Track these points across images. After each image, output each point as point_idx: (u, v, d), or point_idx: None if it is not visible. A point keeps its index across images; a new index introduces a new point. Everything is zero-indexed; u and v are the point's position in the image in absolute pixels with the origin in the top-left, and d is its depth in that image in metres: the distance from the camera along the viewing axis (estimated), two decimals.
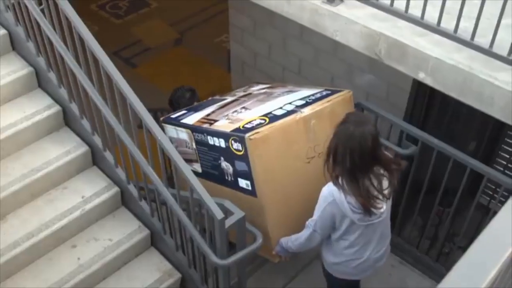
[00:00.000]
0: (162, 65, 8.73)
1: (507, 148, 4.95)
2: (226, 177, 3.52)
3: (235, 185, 3.48)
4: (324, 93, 3.66)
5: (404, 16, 3.21)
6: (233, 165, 3.41)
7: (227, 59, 7.27)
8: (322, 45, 5.42)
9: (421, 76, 3.26)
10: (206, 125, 3.56)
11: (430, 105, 4.87)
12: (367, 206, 2.92)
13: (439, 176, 4.00)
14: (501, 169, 4.88)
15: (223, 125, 3.47)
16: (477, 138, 5.02)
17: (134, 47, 9.10)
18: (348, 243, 3.14)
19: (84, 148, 4.06)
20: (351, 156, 2.81)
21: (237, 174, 3.42)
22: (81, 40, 3.42)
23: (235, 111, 3.65)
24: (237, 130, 3.30)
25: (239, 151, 3.26)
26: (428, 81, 3.25)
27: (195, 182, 3.09)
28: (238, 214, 3.08)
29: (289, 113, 3.38)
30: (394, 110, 4.74)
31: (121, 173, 3.93)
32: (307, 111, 3.39)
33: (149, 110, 3.42)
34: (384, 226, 3.21)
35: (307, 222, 3.15)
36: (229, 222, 3.03)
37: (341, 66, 5.44)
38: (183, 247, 3.78)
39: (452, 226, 4.35)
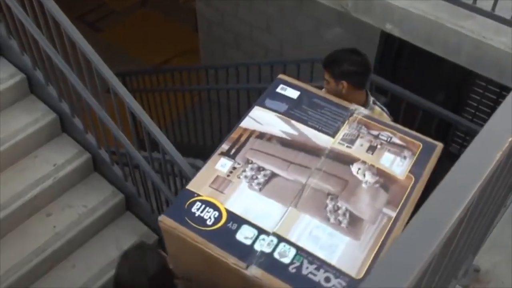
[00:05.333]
0: (128, 27, 8.57)
1: (474, 96, 5.01)
2: None
3: None
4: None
5: None
6: None
7: (194, 19, 7.16)
8: (289, 1, 5.37)
9: (389, 27, 3.26)
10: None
11: (399, 57, 4.89)
12: None
13: (408, 128, 4.04)
14: (470, 117, 4.95)
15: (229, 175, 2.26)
16: (446, 88, 5.07)
17: (98, 11, 8.90)
18: None
19: (52, 116, 3.99)
20: None
21: None
22: (41, 4, 3.33)
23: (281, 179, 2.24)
24: (188, 197, 2.17)
25: None
26: (396, 32, 3.26)
27: (167, 143, 3.08)
28: None
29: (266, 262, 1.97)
30: None
31: (91, 138, 3.88)
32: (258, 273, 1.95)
33: (117, 75, 3.37)
34: None
35: None
36: None
37: (308, 21, 5.40)
38: (158, 209, 3.79)
39: None
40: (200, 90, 6.22)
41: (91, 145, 3.90)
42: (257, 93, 4.93)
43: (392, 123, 2.45)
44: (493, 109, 4.98)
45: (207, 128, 6.01)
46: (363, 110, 2.49)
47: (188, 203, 2.15)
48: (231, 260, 1.97)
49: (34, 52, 3.73)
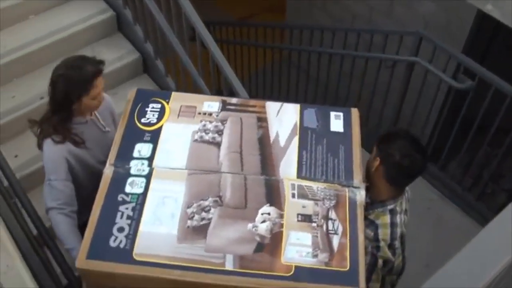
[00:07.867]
0: None
1: None
2: None
3: None
4: None
5: None
6: None
7: None
8: None
9: (489, 8, 3.11)
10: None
11: (492, 40, 4.67)
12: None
13: (491, 115, 3.89)
14: None
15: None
16: None
17: None
18: None
19: (136, 55, 4.08)
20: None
21: None
22: None
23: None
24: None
25: None
26: (495, 13, 3.11)
27: (239, 87, 3.11)
28: None
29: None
30: (452, 41, 4.56)
31: (171, 82, 3.95)
32: None
33: (204, 23, 3.40)
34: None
35: None
36: None
37: None
38: None
39: (499, 167, 4.26)
40: (282, 49, 6.18)
41: (170, 89, 3.97)
42: (340, 59, 4.86)
43: (362, 229, 1.99)
44: None
45: (283, 88, 5.99)
46: (360, 196, 2.07)
47: (154, 98, 2.36)
48: (113, 151, 2.15)
49: None
